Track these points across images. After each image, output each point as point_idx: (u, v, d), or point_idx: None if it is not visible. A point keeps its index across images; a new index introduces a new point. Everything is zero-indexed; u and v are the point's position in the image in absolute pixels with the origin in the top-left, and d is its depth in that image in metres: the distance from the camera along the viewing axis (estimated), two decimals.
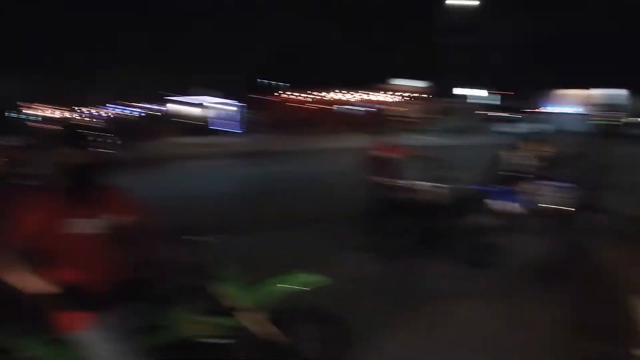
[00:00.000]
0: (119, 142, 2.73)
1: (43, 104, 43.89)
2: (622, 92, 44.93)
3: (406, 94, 41.97)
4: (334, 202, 9.72)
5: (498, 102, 52.49)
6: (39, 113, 44.25)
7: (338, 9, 39.50)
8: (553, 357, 4.20)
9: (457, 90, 43.90)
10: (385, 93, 41.28)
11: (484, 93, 48.46)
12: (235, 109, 34.31)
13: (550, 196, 6.70)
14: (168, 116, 35.94)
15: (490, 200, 6.56)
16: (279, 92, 40.43)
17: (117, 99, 41.48)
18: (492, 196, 6.52)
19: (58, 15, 30.05)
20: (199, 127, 32.91)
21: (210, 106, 35.01)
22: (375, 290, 5.50)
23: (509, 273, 6.05)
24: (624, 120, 42.08)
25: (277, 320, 2.97)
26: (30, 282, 2.30)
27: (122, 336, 2.47)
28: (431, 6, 37.90)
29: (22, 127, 34.94)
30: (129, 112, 42.85)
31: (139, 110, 42.15)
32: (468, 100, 44.10)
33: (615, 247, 6.98)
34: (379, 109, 40.57)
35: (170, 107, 36.09)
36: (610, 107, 40.51)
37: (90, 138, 2.47)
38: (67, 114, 43.14)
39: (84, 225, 2.45)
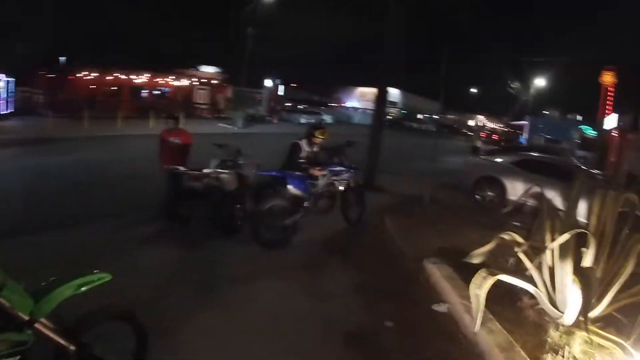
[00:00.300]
0: None
1: None
2: (396, 91, 51.30)
3: (206, 81, 41.44)
4: (126, 192, 9.08)
5: (300, 95, 55.39)
6: None
7: None
8: (358, 320, 4.44)
9: (265, 81, 44.81)
10: (185, 78, 40.19)
11: (281, 85, 50.39)
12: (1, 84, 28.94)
13: (339, 178, 7.34)
14: None
15: (284, 185, 6.86)
16: (72, 69, 36.50)
17: None
18: (288, 181, 6.82)
19: None
20: None
21: None
22: (175, 279, 5.25)
23: (305, 250, 6.43)
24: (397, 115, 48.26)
25: (64, 327, 2.73)
26: None
27: None
28: None
29: None
30: None
31: None
32: (268, 90, 45.27)
33: (394, 220, 8.03)
34: (177, 94, 39.39)
35: None
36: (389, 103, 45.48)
37: None
38: None
39: None
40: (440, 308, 4.69)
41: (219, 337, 3.96)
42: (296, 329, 4.16)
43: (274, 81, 47.16)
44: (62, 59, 38.08)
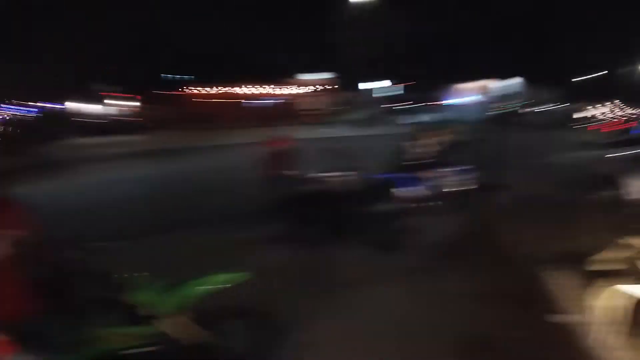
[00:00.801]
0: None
1: None
2: (517, 81, 48.23)
3: (312, 87, 42.35)
4: (243, 197, 9.72)
5: (401, 93, 54.50)
6: None
7: (243, 4, 39.03)
8: (472, 326, 4.34)
9: (362, 84, 44.87)
10: (292, 86, 41.41)
11: (387, 85, 49.97)
12: (138, 104, 32.70)
13: (450, 180, 7.18)
14: (68, 115, 33.69)
15: (396, 187, 6.86)
16: (185, 87, 39.26)
17: (10, 98, 38.19)
18: (398, 183, 6.81)
19: None
20: (100, 125, 31.22)
21: (110, 103, 33.28)
22: (294, 280, 5.49)
23: (419, 254, 6.32)
24: (519, 108, 45.42)
25: (200, 321, 2.93)
26: None
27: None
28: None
29: None
30: (24, 112, 39.52)
31: (36, 109, 39.04)
32: (372, 93, 45.24)
33: (516, 223, 7.60)
34: (286, 103, 40.66)
35: (69, 105, 33.74)
36: (506, 96, 43.18)
37: None
38: None
39: None
40: (558, 318, 4.40)
41: (336, 340, 4.06)
42: (413, 335, 4.13)
43: (381, 82, 46.96)
44: (176, 76, 41.03)
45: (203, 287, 2.95)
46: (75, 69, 30.20)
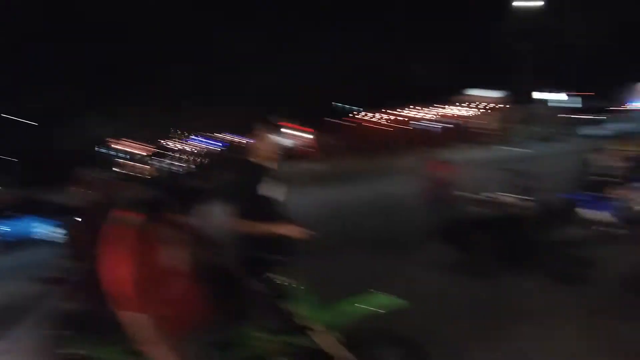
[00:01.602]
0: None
1: (130, 139, 46.29)
2: None
3: (483, 105, 40.93)
4: (413, 221, 9.56)
5: (579, 104, 49.89)
6: (126, 149, 46.79)
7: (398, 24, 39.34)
8: None
9: (535, 95, 42.09)
10: (461, 106, 40.48)
11: (563, 96, 46.18)
12: (310, 135, 35.07)
13: None
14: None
15: (580, 209, 6.19)
16: (353, 114, 40.73)
17: (200, 132, 43.20)
18: (583, 204, 6.13)
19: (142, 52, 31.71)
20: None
21: (287, 134, 35.84)
22: (459, 310, 5.19)
23: (603, 289, 5.42)
24: None
25: (351, 342, 2.91)
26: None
27: (199, 353, 2.52)
28: (497, 11, 36.77)
29: (110, 161, 37.38)
30: (212, 144, 44.47)
31: (222, 142, 43.60)
32: (548, 105, 42.13)
33: None
34: (456, 123, 39.84)
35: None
36: None
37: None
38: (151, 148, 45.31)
39: (175, 256, 2.53)
40: None
41: None
42: None
43: (554, 93, 43.68)
44: (346, 106, 42.74)
45: (358, 307, 2.94)
46: (256, 107, 33.05)
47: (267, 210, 3.37)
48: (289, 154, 33.21)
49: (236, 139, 41.37)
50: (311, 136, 35.92)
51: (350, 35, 36.22)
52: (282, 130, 3.88)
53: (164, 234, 2.51)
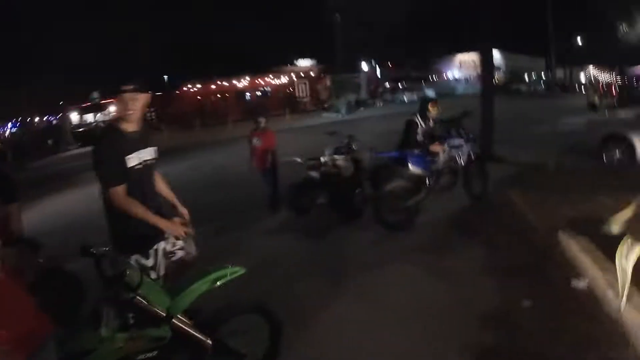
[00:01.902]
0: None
1: None
2: (495, 52, 47.87)
3: (304, 74, 42.31)
4: (243, 190, 9.68)
5: (402, 74, 54.48)
6: None
7: None
8: (493, 301, 4.25)
9: (357, 67, 44.85)
10: (283, 75, 41.34)
11: (378, 66, 49.96)
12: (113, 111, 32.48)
13: (453, 153, 7.05)
14: (66, 127, 33.63)
15: (402, 165, 6.73)
16: (177, 85, 39.19)
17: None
18: (407, 160, 6.67)
19: None
20: (96, 133, 31.12)
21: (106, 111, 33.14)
22: (302, 268, 5.45)
23: (429, 231, 6.27)
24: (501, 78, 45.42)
25: (199, 322, 2.84)
26: None
27: None
28: None
29: None
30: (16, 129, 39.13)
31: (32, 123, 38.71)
32: (366, 74, 45.21)
33: (521, 192, 7.54)
34: (278, 92, 40.66)
35: (68, 116, 33.57)
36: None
37: None
38: None
39: None
40: (580, 284, 4.29)
41: (353, 324, 4.00)
42: (431, 313, 4.08)
43: (369, 63, 46.93)
44: (166, 77, 40.96)
45: (199, 285, 2.82)
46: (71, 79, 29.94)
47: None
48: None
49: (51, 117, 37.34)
50: (112, 110, 33.22)
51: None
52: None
53: None
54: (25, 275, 2.30)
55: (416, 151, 6.73)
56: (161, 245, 3.26)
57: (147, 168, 3.26)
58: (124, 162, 3.07)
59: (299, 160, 7.46)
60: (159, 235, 3.21)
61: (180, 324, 2.68)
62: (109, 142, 3.12)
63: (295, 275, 5.20)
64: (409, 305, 4.28)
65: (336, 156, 7.26)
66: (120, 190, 3.01)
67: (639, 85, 38.64)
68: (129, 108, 3.10)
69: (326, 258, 5.69)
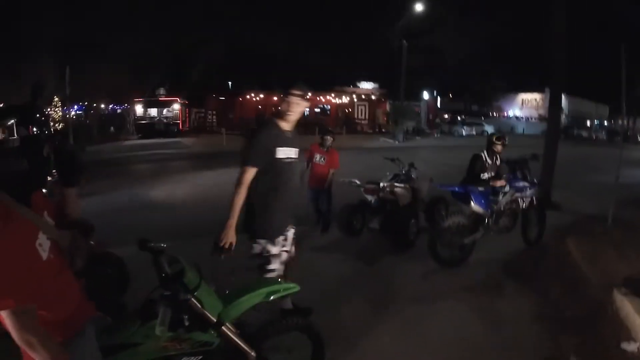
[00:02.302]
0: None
1: None
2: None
3: (364, 97, 42.62)
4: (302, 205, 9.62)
5: (461, 106, 54.17)
6: None
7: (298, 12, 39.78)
8: (539, 352, 4.15)
9: (419, 95, 44.87)
10: (345, 95, 41.75)
11: (439, 96, 49.83)
12: (178, 108, 33.33)
13: (513, 195, 6.89)
14: (129, 117, 34.93)
15: (463, 201, 6.64)
16: (241, 92, 40.19)
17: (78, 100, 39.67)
18: (468, 197, 6.56)
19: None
20: (157, 128, 32.23)
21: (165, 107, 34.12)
22: (349, 291, 5.38)
23: (482, 271, 6.17)
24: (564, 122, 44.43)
25: (248, 332, 2.84)
26: None
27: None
28: (387, 10, 38.38)
29: None
30: (81, 112, 40.86)
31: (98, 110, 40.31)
32: (427, 103, 45.13)
33: (576, 242, 7.32)
34: (338, 111, 41.04)
35: (134, 107, 34.78)
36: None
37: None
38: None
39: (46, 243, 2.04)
40: (631, 347, 4.13)
41: (392, 354, 4.00)
42: (472, 356, 4.02)
43: (431, 93, 46.81)
44: (230, 83, 42.05)
45: (251, 296, 2.83)
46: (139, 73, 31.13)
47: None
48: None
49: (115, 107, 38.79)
50: (176, 107, 33.96)
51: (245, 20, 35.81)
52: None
53: (28, 215, 1.99)
54: (75, 258, 2.19)
55: (480, 188, 6.61)
56: (290, 234, 3.90)
57: (291, 165, 3.83)
58: (272, 152, 3.66)
59: (357, 182, 7.31)
60: (288, 228, 3.84)
61: (229, 332, 2.67)
62: (267, 131, 3.73)
63: (341, 297, 5.16)
64: (453, 344, 4.22)
65: (395, 183, 7.22)
66: (250, 171, 3.60)
67: None
68: (291, 110, 3.76)
69: (373, 284, 5.63)
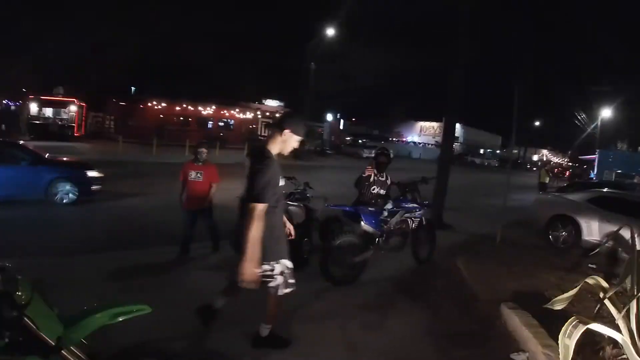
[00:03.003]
0: None
1: None
2: (456, 124, 50.46)
3: (269, 114, 42.66)
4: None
5: (363, 130, 55.96)
6: None
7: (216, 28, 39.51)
8: None
9: (323, 116, 45.74)
10: (249, 111, 41.54)
11: (342, 119, 51.19)
12: (74, 110, 30.96)
13: (403, 216, 7.01)
14: (22, 115, 31.82)
15: (355, 221, 6.62)
16: (143, 98, 38.47)
17: None
18: (359, 217, 6.56)
19: None
20: (51, 130, 29.64)
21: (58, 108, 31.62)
22: (243, 314, 4.79)
23: (374, 289, 6.16)
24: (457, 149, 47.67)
25: (96, 357, 2.60)
26: None
27: None
28: (298, 32, 39.14)
29: None
30: None
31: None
32: (330, 125, 46.03)
33: (466, 261, 7.64)
34: (242, 127, 40.69)
35: (28, 105, 31.79)
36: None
37: None
38: None
39: None
40: (520, 357, 4.32)
41: None
42: None
43: (334, 115, 47.88)
44: (133, 88, 40.44)
45: (102, 317, 2.57)
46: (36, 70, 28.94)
47: None
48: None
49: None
50: (73, 109, 31.49)
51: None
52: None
53: None
54: None
55: (370, 208, 6.68)
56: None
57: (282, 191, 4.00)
58: (277, 185, 3.78)
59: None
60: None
61: (70, 357, 2.35)
62: (272, 167, 3.70)
63: (230, 318, 4.64)
64: None
65: (289, 202, 6.99)
66: (263, 207, 3.60)
67: (587, 171, 41.09)
68: (288, 147, 3.88)
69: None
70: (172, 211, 7.92)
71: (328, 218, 7.79)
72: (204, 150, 7.02)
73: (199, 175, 6.91)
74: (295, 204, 7.03)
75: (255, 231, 3.55)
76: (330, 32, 31.68)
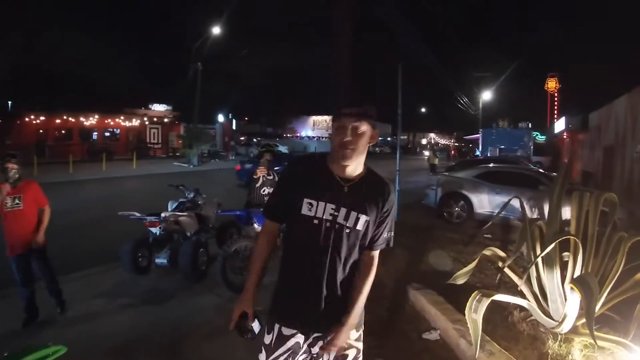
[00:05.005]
0: None
1: None
2: None
3: (157, 119, 40.98)
4: (83, 242, 8.48)
5: (256, 128, 55.50)
6: None
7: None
8: None
9: (214, 118, 44.75)
10: (136, 118, 39.58)
11: (234, 120, 50.48)
12: None
13: None
14: None
15: (249, 224, 6.39)
16: (20, 113, 35.20)
17: None
18: (251, 220, 6.34)
19: None
20: None
21: None
22: (139, 339, 4.55)
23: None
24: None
25: None
26: None
27: None
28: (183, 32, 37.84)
29: None
30: None
31: None
32: (222, 126, 45.12)
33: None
34: (128, 135, 38.74)
35: None
36: None
37: None
38: None
39: None
40: (432, 336, 4.35)
41: None
42: None
43: (226, 116, 47.07)
44: (10, 102, 37.07)
45: None
46: None
47: None
48: None
49: None
50: None
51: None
52: None
53: None
54: None
55: (262, 209, 6.37)
56: None
57: None
58: None
59: (137, 215, 6.45)
60: None
61: None
62: None
63: (131, 347, 4.38)
64: None
65: (178, 212, 6.62)
66: None
67: (472, 149, 43.85)
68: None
69: (166, 327, 4.90)
70: None
71: (223, 224, 7.47)
72: (13, 166, 4.86)
73: (16, 201, 4.85)
74: (186, 213, 6.63)
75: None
76: (217, 31, 30.75)
